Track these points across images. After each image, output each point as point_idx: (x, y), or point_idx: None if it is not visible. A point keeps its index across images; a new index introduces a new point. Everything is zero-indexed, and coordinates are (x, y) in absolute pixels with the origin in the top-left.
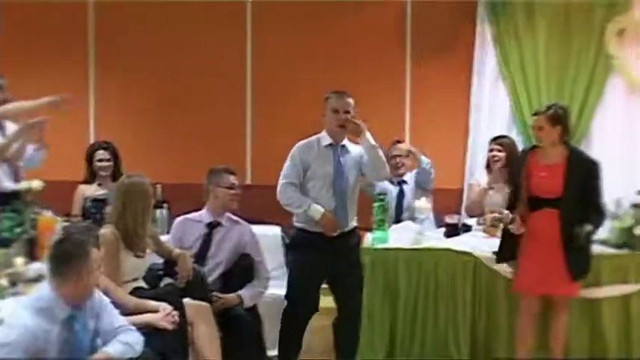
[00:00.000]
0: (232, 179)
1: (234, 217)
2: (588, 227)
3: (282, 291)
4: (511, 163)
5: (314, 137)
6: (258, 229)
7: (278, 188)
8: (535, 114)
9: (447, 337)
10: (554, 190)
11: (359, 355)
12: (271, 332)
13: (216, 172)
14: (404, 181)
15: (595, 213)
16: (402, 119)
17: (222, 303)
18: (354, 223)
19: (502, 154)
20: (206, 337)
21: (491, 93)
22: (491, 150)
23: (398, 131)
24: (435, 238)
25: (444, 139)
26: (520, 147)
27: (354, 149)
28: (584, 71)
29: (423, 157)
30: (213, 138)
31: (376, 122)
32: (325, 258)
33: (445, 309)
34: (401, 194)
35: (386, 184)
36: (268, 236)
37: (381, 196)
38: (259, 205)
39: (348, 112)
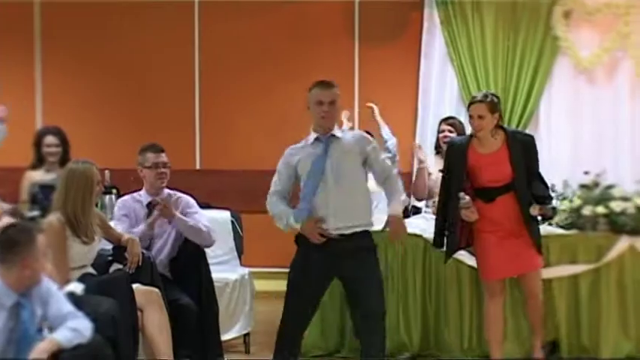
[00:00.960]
0: (154, 158)
1: (174, 192)
2: (549, 202)
3: (232, 275)
4: None
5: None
6: (207, 214)
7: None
8: (473, 102)
9: (399, 319)
10: (504, 177)
11: (309, 338)
12: (226, 316)
13: (141, 152)
14: None
15: (541, 184)
16: (350, 104)
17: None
18: (361, 223)
19: (453, 135)
20: (155, 323)
21: (439, 76)
22: (442, 131)
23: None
24: (385, 221)
25: (392, 122)
26: (468, 129)
27: (347, 136)
28: (532, 53)
29: (387, 130)
30: (162, 123)
31: None
32: (326, 260)
33: (395, 292)
34: None
35: None
36: (218, 220)
37: None
38: (209, 189)
39: (333, 102)
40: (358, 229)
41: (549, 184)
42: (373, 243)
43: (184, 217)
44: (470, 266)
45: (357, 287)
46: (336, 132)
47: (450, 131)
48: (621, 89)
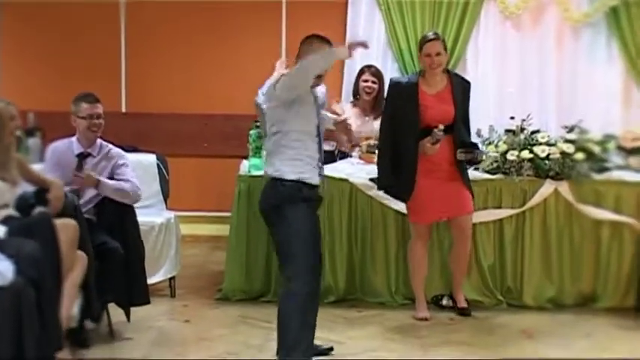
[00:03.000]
0: (89, 109)
1: (106, 144)
2: (476, 147)
3: (158, 219)
4: (382, 95)
5: None
6: (132, 157)
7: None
8: (429, 40)
9: (324, 261)
10: (447, 117)
11: (227, 281)
12: (152, 260)
13: (75, 101)
14: None
15: (466, 130)
16: (277, 53)
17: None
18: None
19: (376, 86)
20: (67, 256)
21: (367, 22)
22: (366, 80)
23: (273, 64)
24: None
25: None
26: (395, 74)
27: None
28: None
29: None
30: (87, 65)
31: (252, 56)
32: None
33: (322, 235)
34: None
35: None
36: (143, 164)
37: (257, 123)
38: (135, 132)
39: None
40: None
41: (476, 129)
42: None
43: (108, 182)
44: (395, 210)
45: None
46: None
47: (374, 82)
48: (547, 35)
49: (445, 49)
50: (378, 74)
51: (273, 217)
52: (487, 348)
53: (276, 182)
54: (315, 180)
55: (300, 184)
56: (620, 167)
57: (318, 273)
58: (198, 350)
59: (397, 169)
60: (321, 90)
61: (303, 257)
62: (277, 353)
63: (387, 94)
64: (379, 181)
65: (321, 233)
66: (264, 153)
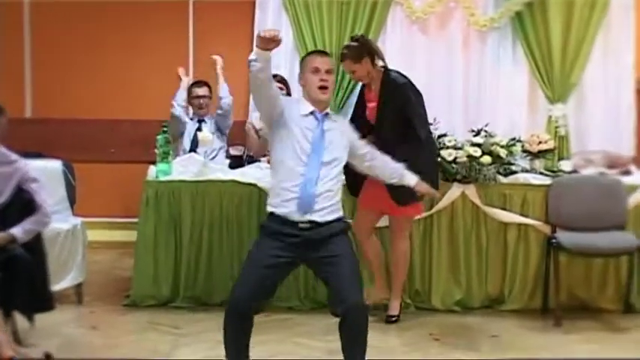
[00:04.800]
0: None
1: (10, 154)
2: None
3: (64, 225)
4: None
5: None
6: (38, 163)
7: None
8: (341, 61)
9: (233, 269)
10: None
11: (135, 287)
12: (57, 266)
13: None
14: (203, 120)
15: (411, 140)
16: (185, 58)
17: None
18: None
19: (284, 92)
20: None
21: (274, 25)
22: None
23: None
24: (220, 170)
25: (228, 71)
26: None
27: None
28: (366, 2)
29: (224, 88)
30: None
31: (159, 60)
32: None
33: (230, 241)
34: (198, 130)
35: (186, 119)
36: (48, 170)
37: (165, 128)
38: (40, 138)
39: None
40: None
41: None
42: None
43: (20, 233)
44: None
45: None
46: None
47: (281, 88)
48: (454, 39)
49: (358, 59)
50: (283, 81)
51: None
52: (395, 350)
53: None
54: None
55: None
56: (526, 170)
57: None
58: (106, 356)
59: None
60: (227, 100)
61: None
62: None
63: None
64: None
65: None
66: (171, 158)
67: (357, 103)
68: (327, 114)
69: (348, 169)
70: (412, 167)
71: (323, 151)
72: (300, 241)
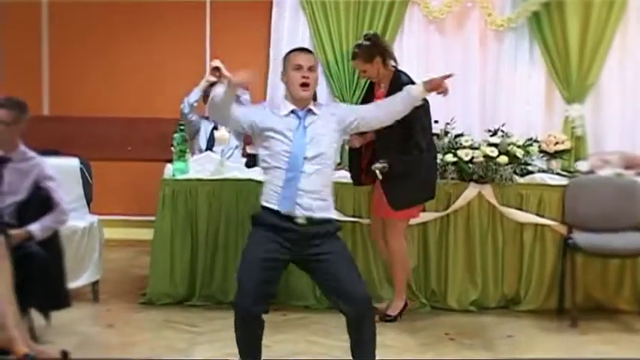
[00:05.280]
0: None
1: (28, 151)
2: (381, 163)
3: (81, 222)
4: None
5: None
6: (55, 161)
7: None
8: (351, 59)
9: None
10: None
11: (151, 285)
12: (74, 264)
13: None
14: None
15: (408, 144)
16: (201, 54)
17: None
18: None
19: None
20: None
21: (291, 25)
22: None
23: (199, 68)
24: (237, 169)
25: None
26: (321, 77)
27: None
28: (383, 1)
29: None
30: (8, 67)
31: (176, 58)
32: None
33: (246, 240)
34: (214, 129)
35: (197, 118)
36: (65, 168)
37: (182, 127)
38: (58, 136)
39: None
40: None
41: None
42: None
43: (37, 230)
44: None
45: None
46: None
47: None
48: (471, 39)
49: (370, 59)
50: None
51: None
52: (411, 350)
53: None
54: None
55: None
56: (542, 170)
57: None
58: (122, 355)
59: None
60: (245, 97)
61: (240, 283)
62: None
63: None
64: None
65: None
66: (188, 156)
67: (364, 97)
68: (309, 110)
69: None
70: (412, 176)
71: (304, 148)
72: (296, 237)
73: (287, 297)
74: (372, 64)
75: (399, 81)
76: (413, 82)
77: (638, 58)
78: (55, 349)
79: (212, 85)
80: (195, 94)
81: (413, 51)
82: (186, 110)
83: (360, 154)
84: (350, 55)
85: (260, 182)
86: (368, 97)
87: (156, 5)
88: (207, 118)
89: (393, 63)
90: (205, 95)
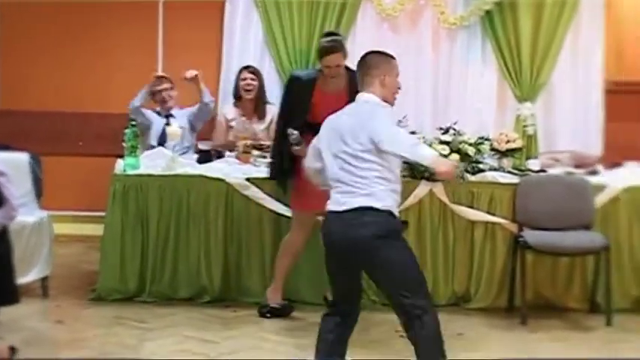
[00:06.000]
0: None
1: None
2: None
3: (30, 218)
4: (263, 93)
5: None
6: (4, 156)
7: None
8: (329, 53)
9: (199, 264)
10: None
11: (101, 281)
12: (23, 259)
13: None
14: (171, 115)
15: None
16: (153, 53)
17: None
18: None
19: (256, 83)
20: None
21: (244, 23)
22: (244, 79)
23: (151, 65)
24: (189, 165)
25: (195, 67)
26: (273, 73)
27: None
28: None
29: (207, 93)
30: None
31: (128, 56)
32: None
33: (197, 236)
34: (166, 125)
35: (151, 114)
36: (15, 162)
37: (133, 122)
38: (8, 131)
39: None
40: None
41: None
42: None
43: None
44: (271, 210)
45: None
46: None
47: (253, 79)
48: (424, 37)
49: (345, 56)
50: (256, 72)
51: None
52: (362, 347)
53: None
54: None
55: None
56: (493, 169)
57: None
58: (72, 351)
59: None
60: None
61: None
62: None
63: (285, 87)
64: (270, 172)
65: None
66: (139, 152)
67: (294, 100)
68: None
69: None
70: None
71: None
72: None
73: (238, 294)
74: (345, 60)
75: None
76: None
77: (589, 58)
78: (3, 345)
79: (155, 82)
80: (138, 99)
81: (366, 48)
82: (132, 115)
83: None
84: (323, 49)
85: (211, 178)
86: (300, 100)
87: (109, 5)
88: (159, 114)
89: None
90: (152, 94)
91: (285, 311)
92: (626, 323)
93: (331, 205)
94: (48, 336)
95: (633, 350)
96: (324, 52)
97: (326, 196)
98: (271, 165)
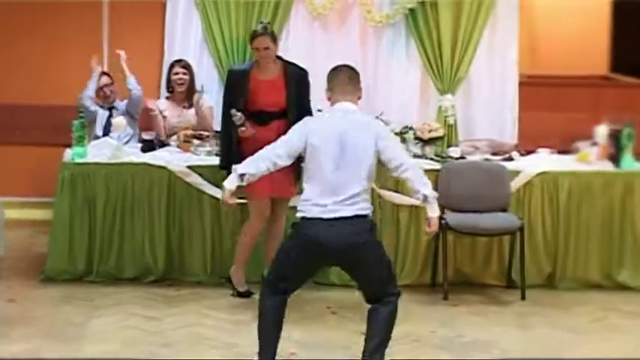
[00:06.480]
0: None
1: None
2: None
3: None
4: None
5: None
6: None
7: None
8: (257, 36)
9: (144, 247)
10: (279, 103)
11: (50, 262)
12: None
13: None
14: (113, 107)
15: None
16: (99, 49)
17: None
18: None
19: (187, 77)
20: None
21: (185, 22)
22: (176, 73)
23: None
24: (133, 153)
25: (139, 64)
26: (212, 69)
27: None
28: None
29: (132, 81)
30: None
31: (76, 53)
32: None
33: (142, 220)
34: (110, 116)
35: (96, 106)
36: None
37: (81, 114)
38: None
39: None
40: None
41: None
42: None
43: None
44: (211, 195)
45: None
46: None
47: (185, 73)
48: (352, 35)
49: (274, 41)
50: (187, 66)
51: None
52: (295, 322)
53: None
54: None
55: None
56: (417, 156)
57: None
58: (23, 327)
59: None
60: (137, 91)
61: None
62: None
63: (225, 81)
64: (220, 162)
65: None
66: (86, 142)
67: (233, 90)
68: None
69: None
70: None
71: None
72: None
73: (180, 274)
74: (275, 45)
75: (296, 69)
76: (303, 70)
77: (505, 53)
78: None
79: (103, 74)
80: (91, 89)
81: (299, 45)
82: (87, 103)
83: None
84: (253, 32)
85: (154, 166)
86: (240, 91)
87: (58, 5)
88: (102, 107)
89: (278, 54)
90: (101, 90)
91: (247, 295)
92: (539, 298)
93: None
94: (0, 313)
95: (545, 322)
96: (253, 35)
97: (277, 179)
98: (221, 154)
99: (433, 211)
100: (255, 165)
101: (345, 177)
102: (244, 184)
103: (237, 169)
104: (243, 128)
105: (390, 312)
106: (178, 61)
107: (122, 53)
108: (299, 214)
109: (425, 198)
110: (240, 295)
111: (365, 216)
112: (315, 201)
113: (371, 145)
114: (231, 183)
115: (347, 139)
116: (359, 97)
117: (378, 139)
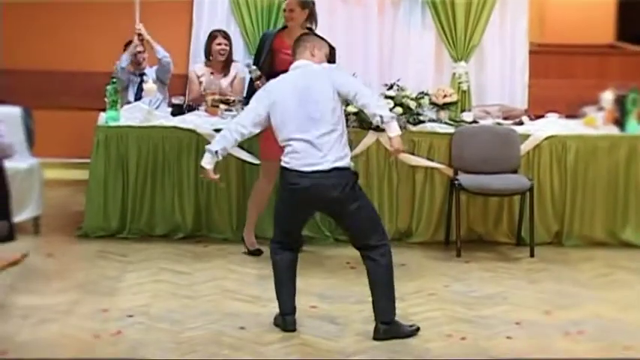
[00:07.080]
0: None
1: None
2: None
3: (22, 164)
4: (231, 54)
5: None
6: None
7: None
8: None
9: (173, 205)
10: None
11: (87, 220)
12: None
13: None
14: (144, 73)
15: None
16: (132, 19)
17: None
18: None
19: (228, 48)
20: None
21: None
22: (219, 43)
23: (129, 27)
24: (163, 117)
25: (169, 32)
26: (238, 38)
27: None
28: None
29: (160, 49)
30: None
31: (106, 23)
32: None
33: (171, 180)
34: (142, 82)
35: (128, 76)
36: (8, 115)
37: (114, 80)
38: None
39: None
40: None
41: None
42: None
43: None
44: (237, 157)
45: None
46: None
47: (226, 45)
48: (370, 5)
49: (303, 7)
50: (228, 37)
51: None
52: (316, 277)
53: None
54: None
55: None
56: (432, 120)
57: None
58: (61, 281)
59: None
60: (164, 53)
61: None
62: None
63: (259, 44)
64: None
65: None
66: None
67: (261, 50)
68: None
69: None
70: None
71: None
72: None
73: (208, 231)
74: (303, 11)
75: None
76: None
77: (516, 23)
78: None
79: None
80: (125, 60)
81: (320, 18)
82: (119, 74)
83: None
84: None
85: (183, 129)
86: (268, 51)
87: None
88: (134, 74)
89: (309, 25)
90: (134, 57)
91: (257, 253)
92: (547, 255)
93: None
94: (40, 267)
95: (552, 278)
96: None
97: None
98: None
99: (392, 131)
100: (224, 140)
101: (314, 123)
102: (220, 159)
103: (210, 147)
104: (258, 82)
105: (387, 267)
106: (219, 31)
107: (141, 27)
108: (282, 164)
109: (381, 118)
110: (251, 253)
111: (343, 168)
112: (294, 148)
113: (329, 87)
114: (207, 162)
115: (307, 89)
116: (320, 51)
117: (334, 81)
